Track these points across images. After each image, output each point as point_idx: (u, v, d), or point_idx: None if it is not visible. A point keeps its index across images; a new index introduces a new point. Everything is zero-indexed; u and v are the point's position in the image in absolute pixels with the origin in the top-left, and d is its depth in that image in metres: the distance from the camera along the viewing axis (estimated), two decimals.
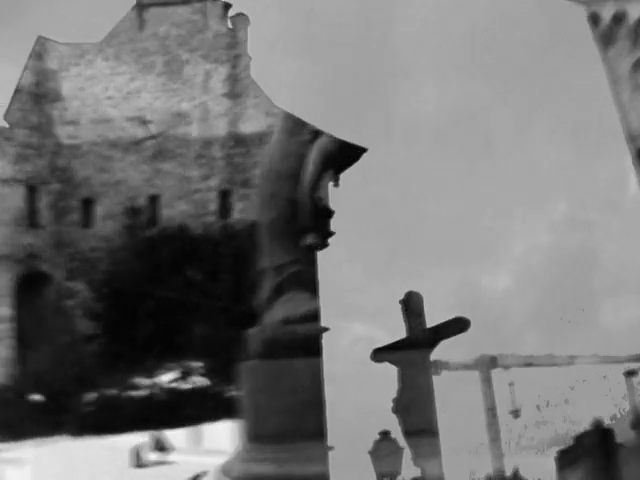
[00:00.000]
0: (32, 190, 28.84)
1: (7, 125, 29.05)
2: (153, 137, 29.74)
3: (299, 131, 5.93)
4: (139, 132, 29.78)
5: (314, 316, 5.65)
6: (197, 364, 25.08)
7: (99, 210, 29.41)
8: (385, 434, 10.16)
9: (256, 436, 5.49)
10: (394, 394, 7.75)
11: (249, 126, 28.47)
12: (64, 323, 28.09)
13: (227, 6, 30.49)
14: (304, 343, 5.57)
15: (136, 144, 29.65)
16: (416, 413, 8.74)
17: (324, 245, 6.01)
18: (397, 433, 9.26)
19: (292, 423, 5.42)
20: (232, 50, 29.96)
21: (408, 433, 8.77)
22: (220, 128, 29.50)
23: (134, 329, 26.24)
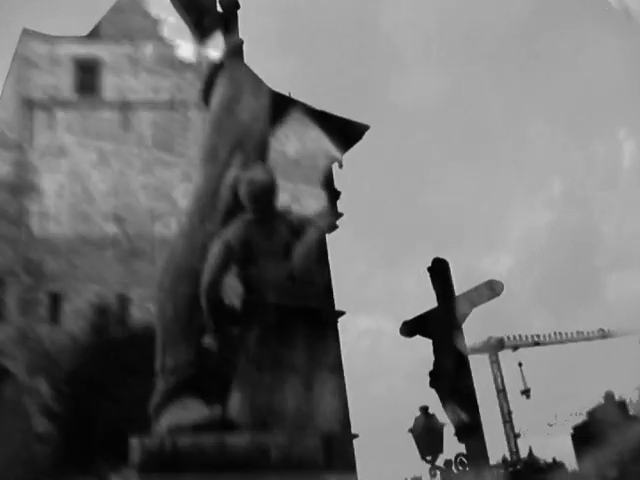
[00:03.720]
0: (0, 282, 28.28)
1: None
2: (127, 236, 29.41)
3: (205, 219, 5.51)
4: (114, 230, 29.46)
5: (206, 426, 5.10)
6: None
7: (67, 306, 28.73)
8: (425, 410, 9.48)
9: None
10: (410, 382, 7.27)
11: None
12: (21, 421, 27.06)
13: None
14: (188, 458, 4.97)
15: (110, 242, 29.27)
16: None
17: (334, 227, 5.59)
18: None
19: None
20: None
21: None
22: None
23: (91, 431, 25.29)
